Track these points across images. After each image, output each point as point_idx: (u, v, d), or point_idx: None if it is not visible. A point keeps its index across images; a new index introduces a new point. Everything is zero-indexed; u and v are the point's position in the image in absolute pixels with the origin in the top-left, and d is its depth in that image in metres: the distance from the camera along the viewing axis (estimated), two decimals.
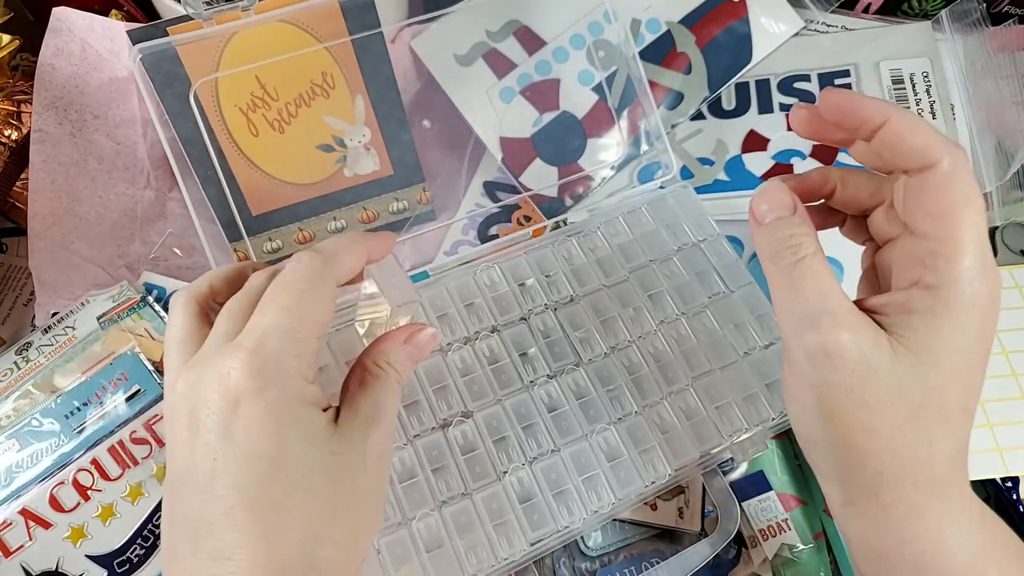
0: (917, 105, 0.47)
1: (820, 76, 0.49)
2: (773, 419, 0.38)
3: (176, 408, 0.26)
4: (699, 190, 0.46)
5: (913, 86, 0.47)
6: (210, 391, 0.25)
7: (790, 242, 0.28)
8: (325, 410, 0.27)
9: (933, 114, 0.46)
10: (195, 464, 0.25)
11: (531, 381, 0.38)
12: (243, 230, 0.42)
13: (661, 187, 0.45)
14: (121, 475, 0.37)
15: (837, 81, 0.48)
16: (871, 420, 0.27)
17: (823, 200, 0.32)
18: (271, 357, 0.25)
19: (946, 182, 0.26)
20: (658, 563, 0.37)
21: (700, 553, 0.37)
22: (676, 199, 0.44)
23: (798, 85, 0.49)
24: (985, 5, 0.49)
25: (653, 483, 0.36)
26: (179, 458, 0.26)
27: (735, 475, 0.42)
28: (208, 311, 0.29)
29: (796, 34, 0.49)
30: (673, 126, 0.49)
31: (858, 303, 0.28)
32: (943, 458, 0.27)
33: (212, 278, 0.30)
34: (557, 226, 0.45)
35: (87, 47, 0.43)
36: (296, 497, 0.25)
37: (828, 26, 0.50)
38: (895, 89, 0.47)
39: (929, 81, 0.47)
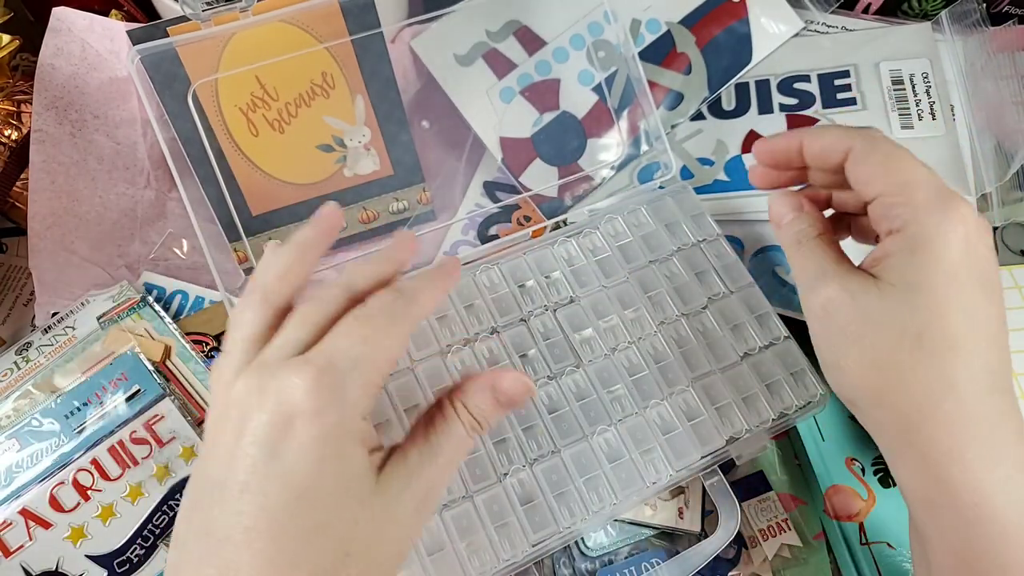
0: (917, 105, 0.47)
1: (820, 77, 0.49)
2: (773, 419, 0.38)
3: (228, 408, 0.25)
4: (699, 190, 0.46)
5: (913, 87, 0.47)
6: (268, 401, 0.24)
7: (801, 234, 0.33)
8: (373, 451, 0.27)
9: (933, 115, 0.46)
10: (230, 472, 0.24)
11: (534, 381, 0.38)
12: (243, 230, 0.42)
13: (661, 187, 0.45)
14: (121, 475, 0.37)
15: (837, 81, 0.48)
16: (877, 356, 0.29)
17: (807, 184, 0.36)
18: (336, 383, 0.25)
19: (871, 149, 0.31)
20: (658, 563, 0.37)
21: (700, 553, 0.37)
22: (676, 199, 0.44)
23: (798, 85, 0.49)
24: (985, 5, 0.49)
25: (654, 484, 0.36)
26: (215, 461, 0.25)
27: (735, 476, 0.42)
28: (281, 313, 0.28)
29: (796, 35, 0.49)
30: (673, 126, 0.49)
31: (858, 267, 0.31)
32: (965, 389, 0.28)
33: (289, 281, 0.28)
34: (557, 226, 0.45)
35: (87, 47, 0.43)
36: (314, 537, 0.24)
37: (829, 27, 0.50)
38: (895, 89, 0.47)
39: (929, 82, 0.47)
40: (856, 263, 0.32)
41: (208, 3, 0.37)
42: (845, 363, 0.30)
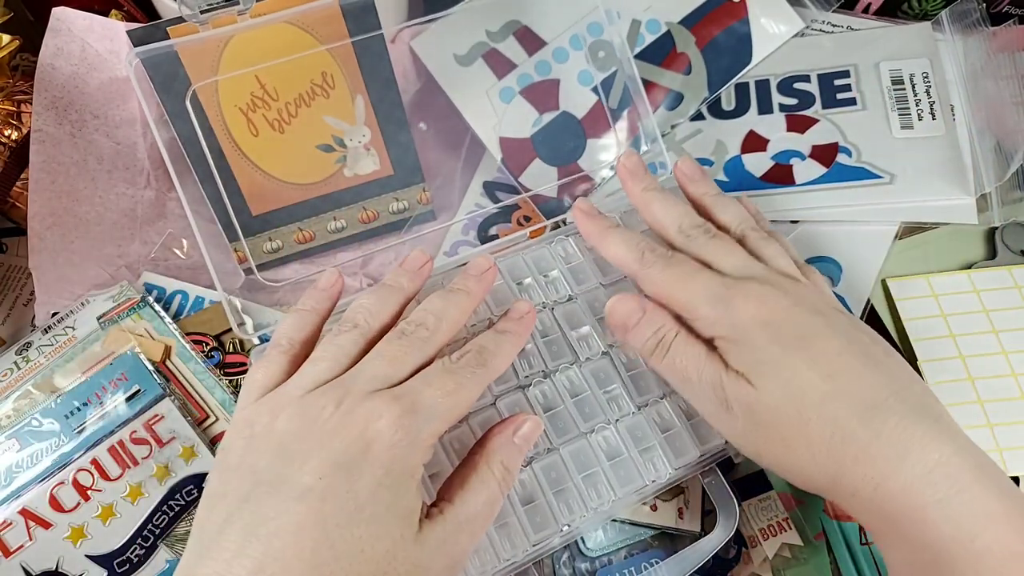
0: (917, 105, 0.47)
1: (820, 77, 0.49)
2: None
3: (296, 417, 0.28)
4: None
5: (913, 87, 0.47)
6: (355, 423, 0.27)
7: (655, 338, 0.34)
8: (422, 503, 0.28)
9: (933, 115, 0.46)
10: (293, 473, 0.26)
11: (528, 380, 0.38)
12: (243, 230, 0.42)
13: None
14: (121, 475, 0.37)
15: (837, 81, 0.48)
16: (781, 440, 0.31)
17: None
18: (416, 426, 0.27)
19: (648, 280, 0.35)
20: (658, 563, 0.37)
21: (700, 551, 0.37)
22: (675, 196, 0.44)
23: (798, 86, 0.49)
24: (985, 5, 0.49)
25: (654, 482, 0.36)
26: (270, 461, 0.27)
27: (735, 475, 0.42)
28: (296, 361, 0.31)
29: (796, 35, 0.49)
30: (673, 127, 0.49)
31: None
32: (855, 425, 0.29)
33: (298, 336, 0.33)
34: (556, 226, 0.45)
35: (87, 47, 0.43)
36: (355, 555, 0.25)
37: (833, 26, 0.50)
38: (895, 90, 0.47)
39: (929, 82, 0.47)
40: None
41: (206, 6, 0.37)
42: (760, 451, 0.32)
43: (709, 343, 0.33)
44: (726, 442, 0.37)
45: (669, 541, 0.40)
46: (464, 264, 0.41)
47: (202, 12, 0.38)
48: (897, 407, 0.29)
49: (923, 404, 0.30)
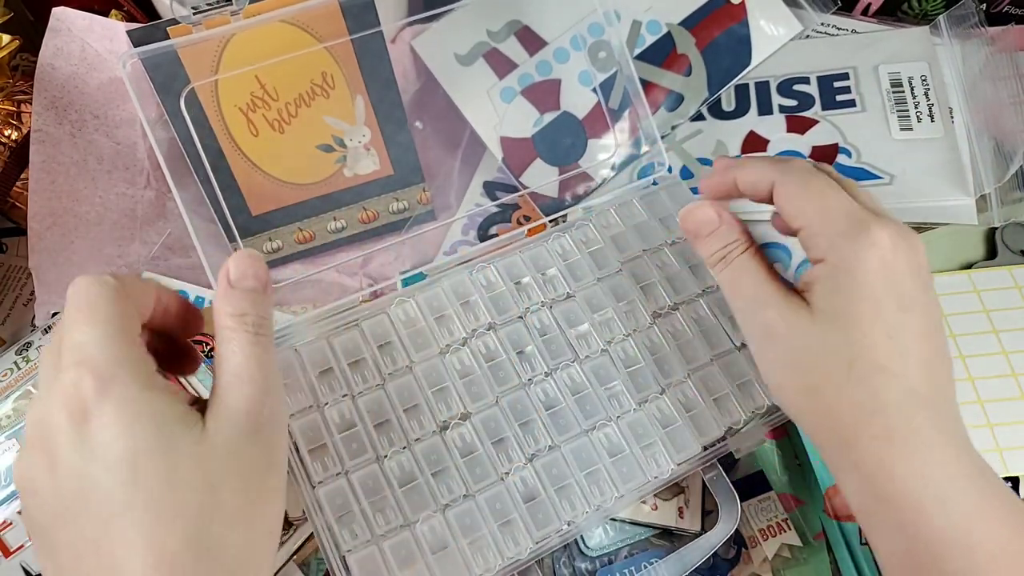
0: (916, 108, 0.47)
1: (819, 79, 0.49)
2: (769, 406, 0.38)
3: (30, 450, 0.25)
4: (698, 190, 0.46)
5: (912, 89, 0.48)
6: (57, 415, 0.24)
7: (723, 252, 0.33)
8: (194, 403, 0.26)
9: (931, 117, 0.47)
10: (63, 494, 0.24)
11: (528, 379, 0.38)
12: (242, 230, 0.42)
13: (655, 183, 0.45)
14: None
15: (836, 83, 0.49)
16: (812, 381, 0.30)
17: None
18: (100, 361, 0.24)
19: (789, 182, 0.32)
20: (658, 561, 0.37)
21: (701, 548, 0.37)
22: (669, 193, 0.44)
23: (797, 87, 0.49)
24: (985, 6, 0.49)
25: (656, 477, 0.36)
26: (45, 496, 0.25)
27: (735, 475, 0.42)
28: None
29: (795, 37, 0.50)
30: (674, 127, 0.49)
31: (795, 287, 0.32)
32: (892, 407, 0.29)
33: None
34: (555, 222, 0.45)
35: (87, 47, 0.43)
36: (167, 492, 0.24)
37: (838, 29, 0.51)
38: (894, 92, 0.48)
39: (927, 85, 0.48)
40: None
41: (197, 8, 0.37)
42: (785, 386, 0.32)
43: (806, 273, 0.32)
44: (725, 438, 0.37)
45: (669, 541, 0.41)
46: (463, 263, 0.41)
47: (195, 13, 0.38)
48: (934, 405, 0.29)
49: (951, 407, 0.30)
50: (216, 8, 0.38)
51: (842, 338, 0.29)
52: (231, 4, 0.38)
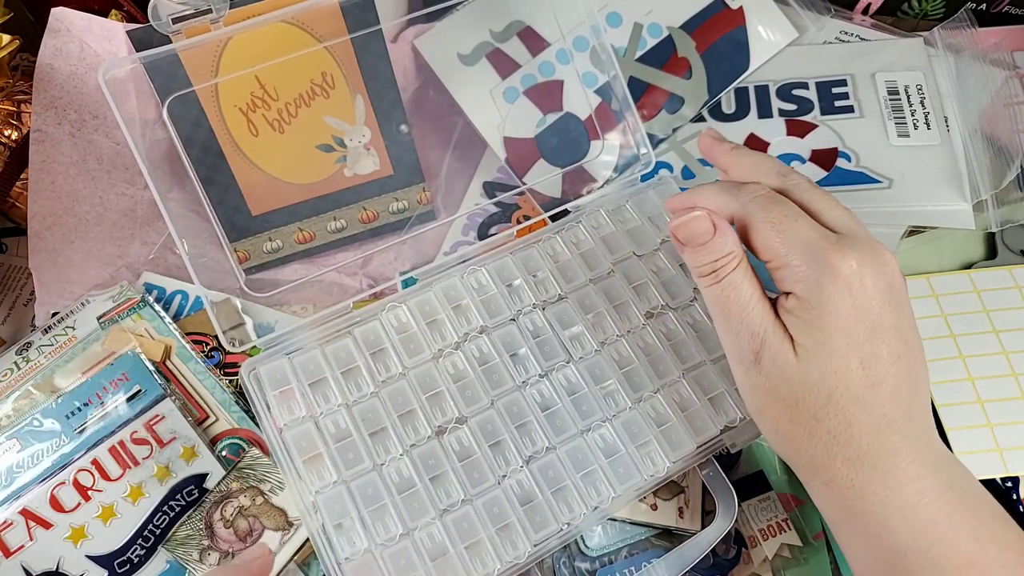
0: (913, 115, 0.48)
1: (818, 84, 0.50)
2: None
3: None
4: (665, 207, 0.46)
5: (908, 97, 0.49)
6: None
7: (714, 266, 0.32)
8: None
9: (928, 124, 0.48)
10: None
11: (523, 381, 0.38)
12: (242, 230, 0.42)
13: (642, 179, 0.45)
14: (122, 475, 0.37)
15: (835, 89, 0.49)
16: (792, 411, 0.31)
17: None
18: None
19: (747, 216, 0.32)
20: (656, 560, 0.37)
21: (699, 544, 0.37)
22: (657, 191, 0.44)
23: (797, 92, 0.49)
24: (985, 6, 0.50)
25: (652, 476, 0.36)
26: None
27: (735, 475, 0.42)
28: None
29: (793, 43, 0.50)
30: (674, 129, 0.49)
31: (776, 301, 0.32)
32: (864, 435, 0.30)
33: None
34: (555, 218, 0.45)
35: (86, 47, 0.43)
36: None
37: (846, 33, 0.52)
38: (891, 99, 0.48)
39: (923, 93, 0.49)
40: None
41: (176, 18, 0.37)
42: (765, 411, 0.32)
43: (780, 295, 0.32)
44: (722, 433, 0.37)
45: (669, 541, 0.41)
46: (463, 262, 0.41)
47: (174, 22, 0.37)
48: (904, 426, 0.30)
49: (922, 424, 0.31)
50: (195, 16, 0.38)
51: (820, 373, 0.30)
52: (211, 12, 0.38)
